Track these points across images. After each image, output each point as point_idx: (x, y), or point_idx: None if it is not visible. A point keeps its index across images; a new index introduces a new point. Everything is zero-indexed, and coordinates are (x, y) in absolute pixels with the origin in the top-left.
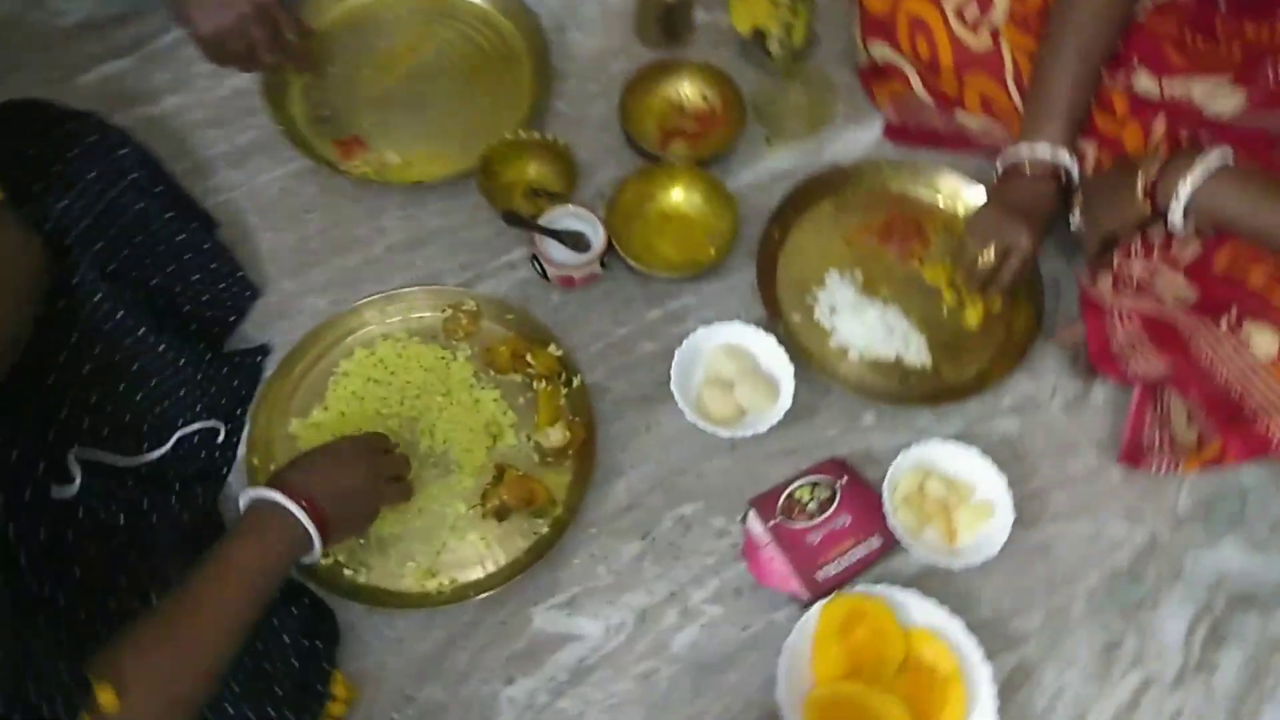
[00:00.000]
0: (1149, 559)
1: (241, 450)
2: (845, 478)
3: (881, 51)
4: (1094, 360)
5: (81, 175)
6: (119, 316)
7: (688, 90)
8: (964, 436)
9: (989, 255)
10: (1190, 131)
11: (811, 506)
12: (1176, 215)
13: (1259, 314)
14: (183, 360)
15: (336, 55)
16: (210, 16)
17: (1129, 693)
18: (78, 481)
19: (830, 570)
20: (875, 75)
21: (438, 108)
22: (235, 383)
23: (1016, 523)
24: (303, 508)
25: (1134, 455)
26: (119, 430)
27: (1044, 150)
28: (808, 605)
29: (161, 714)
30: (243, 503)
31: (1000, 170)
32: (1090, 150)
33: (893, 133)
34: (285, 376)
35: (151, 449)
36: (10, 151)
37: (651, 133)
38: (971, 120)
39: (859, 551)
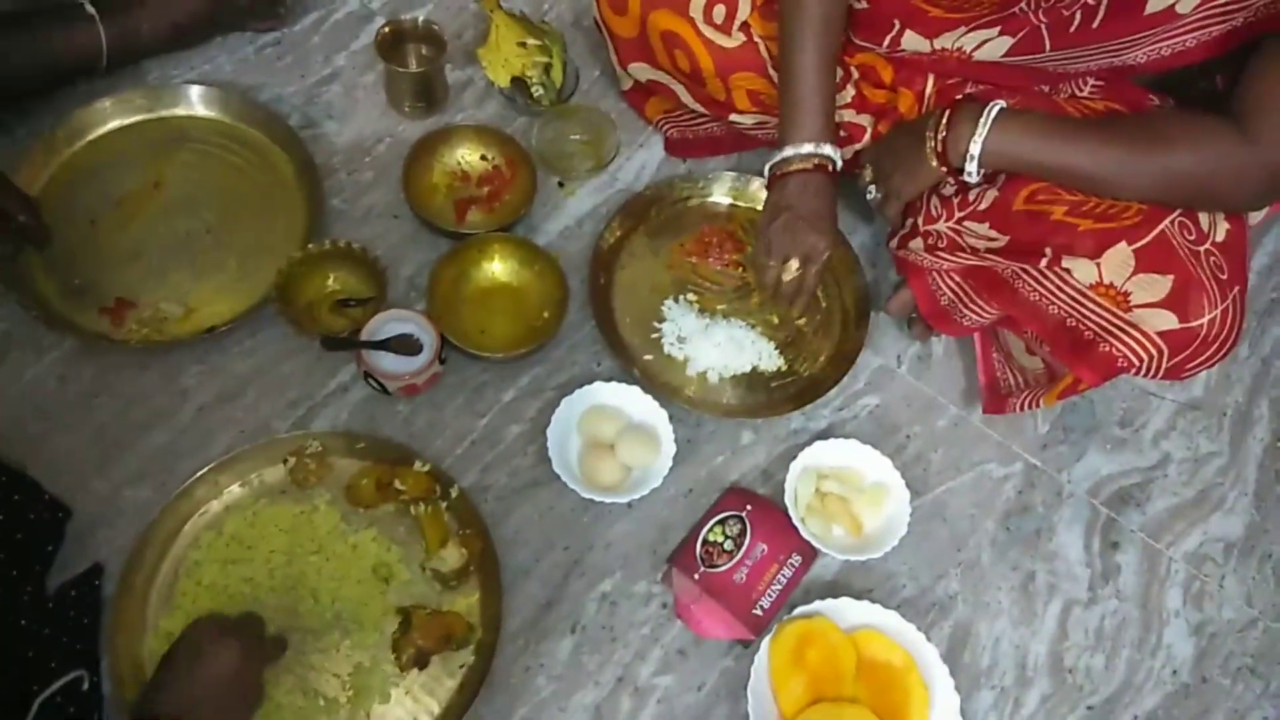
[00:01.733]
0: (1031, 490)
1: (107, 687)
2: (749, 505)
3: (642, 71)
4: (930, 320)
5: None
6: None
7: (467, 155)
8: (835, 425)
9: (792, 268)
10: (958, 82)
11: (728, 545)
12: (972, 168)
13: (1070, 246)
14: (19, 620)
15: (67, 213)
16: None
17: (1054, 621)
18: None
19: (764, 603)
20: (643, 95)
21: (204, 241)
22: (81, 619)
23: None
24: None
25: (996, 403)
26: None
27: (808, 149)
28: (752, 645)
29: None
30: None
31: (769, 177)
32: (867, 123)
33: (675, 147)
34: (129, 592)
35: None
36: None
37: (444, 209)
38: (746, 119)
39: (785, 573)
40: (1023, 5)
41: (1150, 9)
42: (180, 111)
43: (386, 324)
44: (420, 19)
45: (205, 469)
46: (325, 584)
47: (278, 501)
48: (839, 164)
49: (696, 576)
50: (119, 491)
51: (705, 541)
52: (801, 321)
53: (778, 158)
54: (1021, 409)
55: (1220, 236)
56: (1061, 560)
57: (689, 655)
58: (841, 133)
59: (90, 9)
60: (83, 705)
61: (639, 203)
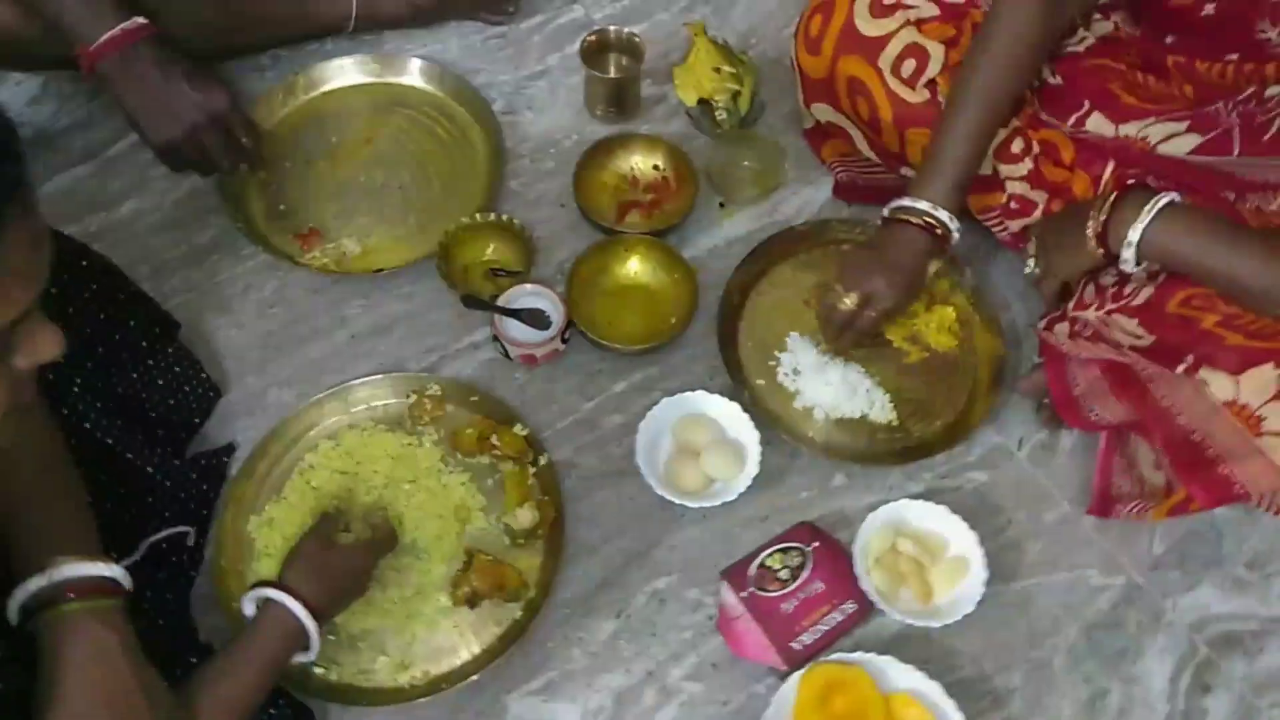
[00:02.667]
0: (1128, 607)
1: (209, 551)
2: (816, 543)
3: (824, 113)
4: (1058, 408)
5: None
6: (85, 429)
7: (640, 163)
8: (934, 492)
9: (848, 301)
10: (1139, 173)
11: (783, 574)
12: (1129, 256)
13: (1213, 358)
14: (150, 468)
15: (292, 151)
16: (163, 127)
17: None
18: None
19: (806, 639)
20: (821, 136)
21: (394, 195)
22: (203, 486)
23: (993, 577)
24: (309, 610)
25: (1103, 506)
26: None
27: (924, 205)
28: (786, 675)
29: None
30: (248, 608)
31: (882, 218)
32: (1040, 200)
33: (842, 191)
34: (250, 475)
35: (121, 558)
36: None
37: (607, 207)
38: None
39: (835, 617)
40: (1220, 105)
41: None
42: (403, 80)
43: (523, 296)
44: (626, 31)
45: (342, 385)
46: (411, 512)
47: (392, 430)
48: (954, 233)
49: (744, 594)
50: (267, 389)
51: (762, 565)
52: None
53: (896, 203)
54: (1129, 517)
55: None
56: (1141, 687)
57: (722, 669)
58: (1013, 205)
59: None
60: (184, 558)
61: (792, 236)
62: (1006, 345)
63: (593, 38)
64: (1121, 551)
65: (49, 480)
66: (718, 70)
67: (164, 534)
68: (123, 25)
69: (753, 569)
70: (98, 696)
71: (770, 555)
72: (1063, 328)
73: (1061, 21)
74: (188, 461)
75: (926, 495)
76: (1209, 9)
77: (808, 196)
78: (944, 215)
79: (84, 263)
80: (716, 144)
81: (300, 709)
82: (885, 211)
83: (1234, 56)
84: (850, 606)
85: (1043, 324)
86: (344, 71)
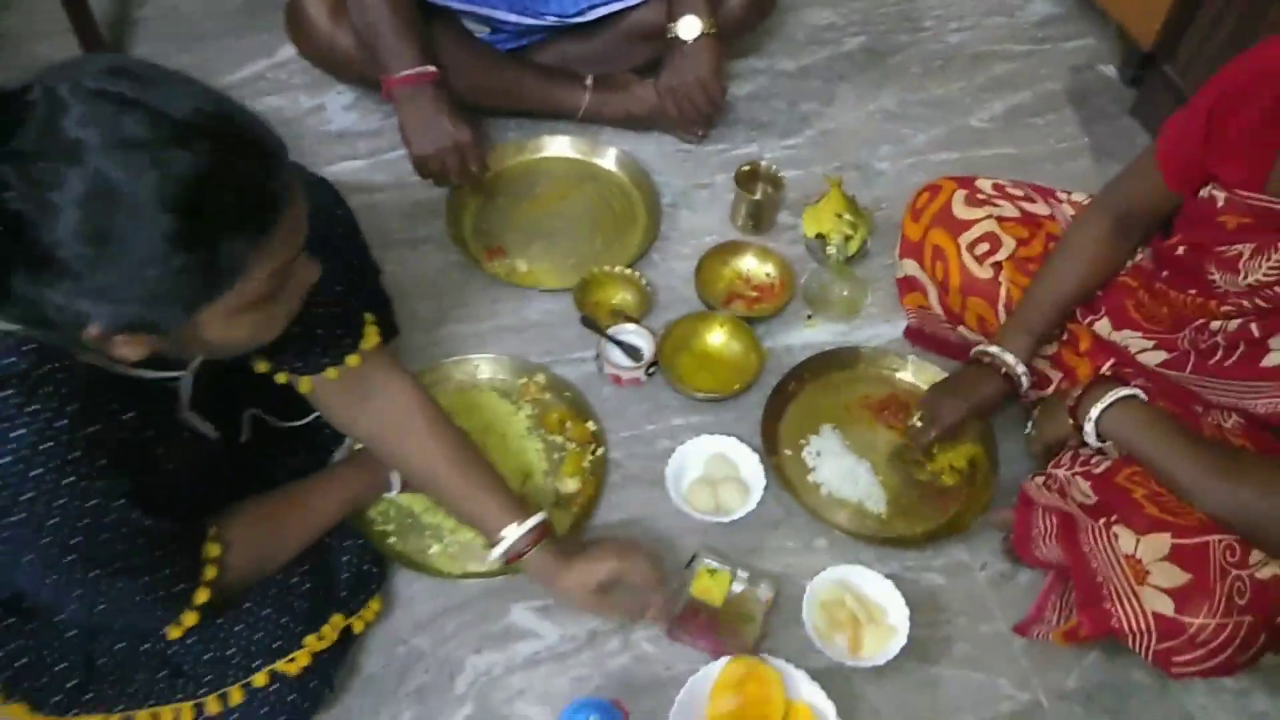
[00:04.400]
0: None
1: None
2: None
3: (912, 268)
4: (1016, 543)
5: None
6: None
7: (755, 266)
8: (894, 576)
9: (917, 419)
10: (1129, 373)
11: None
12: (1089, 430)
13: (1129, 519)
14: None
15: (505, 188)
16: (423, 143)
17: None
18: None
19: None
20: (906, 286)
21: (565, 239)
22: None
23: (918, 656)
24: None
25: (1024, 626)
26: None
27: (1007, 357)
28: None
29: (247, 568)
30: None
31: (969, 358)
32: (1056, 377)
33: (912, 335)
34: None
35: (301, 418)
36: None
37: (718, 290)
38: (971, 335)
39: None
40: (1185, 331)
41: (1266, 362)
42: (601, 162)
43: (628, 332)
44: (774, 167)
45: (476, 356)
46: (491, 454)
47: (501, 397)
48: (1023, 384)
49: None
50: (428, 347)
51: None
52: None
53: (982, 348)
54: (1036, 637)
55: (1264, 574)
56: None
57: (676, 645)
58: (1034, 376)
59: (588, 83)
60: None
61: (855, 355)
62: (995, 485)
63: (747, 166)
64: (1038, 675)
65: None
66: (840, 215)
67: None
68: (417, 69)
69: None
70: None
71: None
72: (1039, 479)
73: (1130, 245)
74: None
75: (887, 576)
76: (1180, 250)
77: (881, 330)
78: (1019, 366)
79: (339, 211)
80: (821, 271)
81: (374, 554)
82: (971, 353)
83: (1193, 291)
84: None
85: (1030, 476)
86: (562, 145)
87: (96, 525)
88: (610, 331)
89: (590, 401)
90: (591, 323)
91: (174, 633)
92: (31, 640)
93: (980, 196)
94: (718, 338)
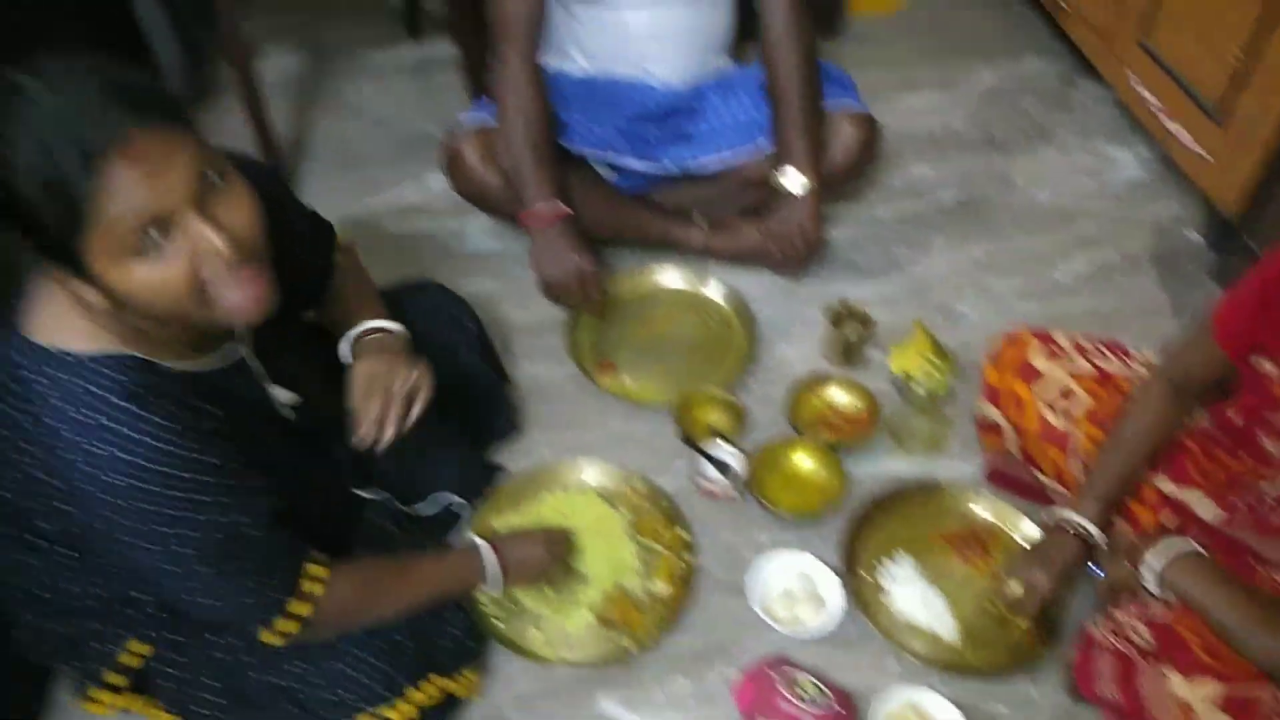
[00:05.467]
0: None
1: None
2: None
3: (991, 411)
4: (1076, 675)
5: (432, 318)
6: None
7: (844, 398)
8: (961, 703)
9: (1014, 589)
10: (1189, 526)
11: (805, 691)
12: (1151, 580)
13: (1183, 664)
14: (462, 450)
15: (620, 311)
16: (551, 271)
17: None
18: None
19: None
20: (985, 428)
21: (671, 360)
22: (481, 482)
23: None
24: (498, 561)
25: None
26: (405, 485)
27: (1082, 521)
28: None
29: (335, 618)
30: (465, 539)
31: (1046, 525)
32: (1125, 528)
33: (992, 476)
34: (505, 488)
35: (420, 504)
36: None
37: (807, 418)
38: (1048, 481)
39: None
40: (1248, 495)
41: None
42: (707, 293)
43: (722, 451)
44: (864, 307)
45: (583, 459)
46: (592, 553)
47: (603, 500)
48: (1100, 544)
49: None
50: (539, 447)
51: (795, 681)
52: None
53: (1060, 515)
54: None
55: None
56: None
57: None
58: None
59: (701, 223)
60: (455, 514)
61: (936, 488)
62: (1068, 628)
63: (839, 305)
64: None
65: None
66: (925, 356)
67: (455, 499)
68: (551, 205)
69: (789, 673)
70: None
71: (805, 677)
72: (1101, 620)
73: (1188, 409)
74: (480, 458)
75: (953, 700)
76: (1238, 420)
77: (960, 467)
78: (1094, 532)
79: (470, 324)
80: (905, 407)
81: (476, 629)
82: (1050, 521)
83: (1248, 457)
84: None
85: (1093, 617)
86: (672, 276)
87: (212, 523)
88: (705, 448)
89: (684, 511)
90: (690, 440)
91: (270, 638)
92: (189, 666)
93: (1057, 350)
94: (805, 461)
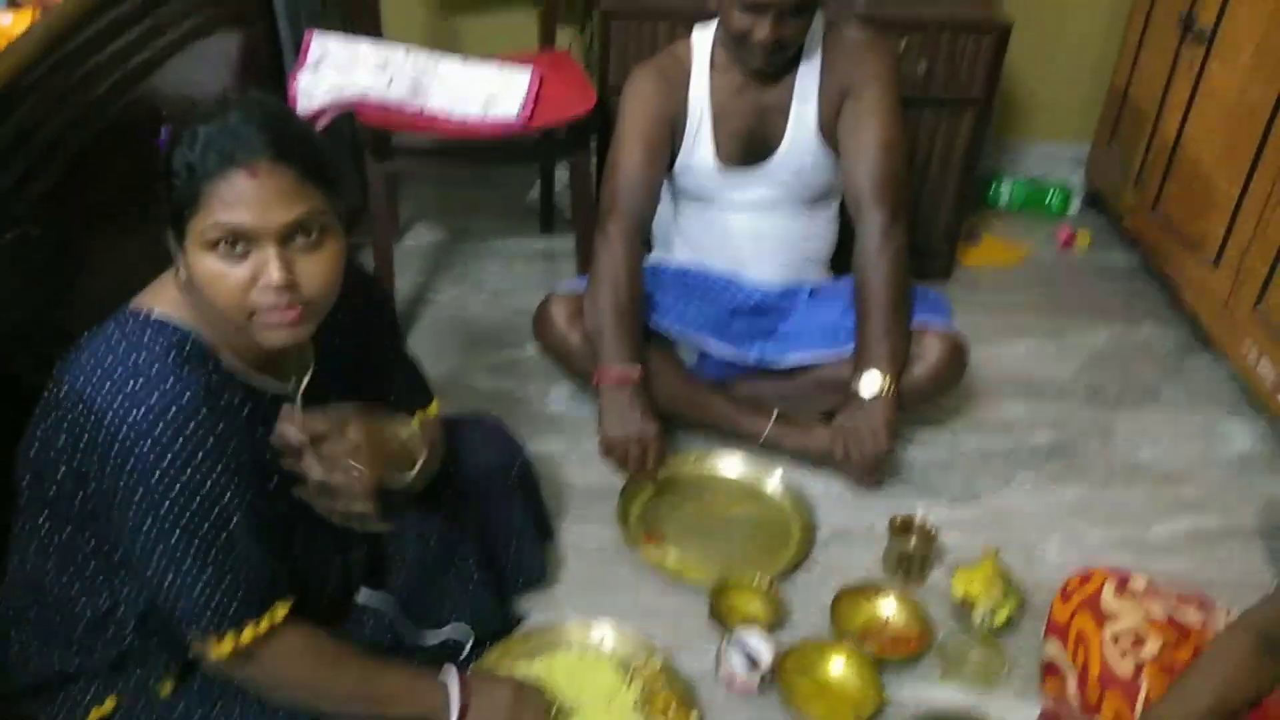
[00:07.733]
0: None
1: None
2: None
3: (1054, 648)
4: None
5: (480, 451)
6: (460, 548)
7: (895, 612)
8: None
9: None
10: None
11: None
12: None
13: None
14: (481, 596)
15: (676, 488)
16: (614, 428)
17: None
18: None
19: None
20: (1046, 671)
21: (719, 543)
22: (495, 626)
23: None
24: (461, 700)
25: None
26: (414, 605)
27: None
28: None
29: (272, 671)
30: (443, 675)
31: None
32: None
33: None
34: (519, 638)
35: (428, 632)
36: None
37: (853, 624)
38: None
39: None
40: None
41: None
42: (764, 485)
43: (751, 638)
44: (930, 524)
45: (605, 621)
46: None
47: (615, 669)
48: None
49: None
50: (568, 590)
51: None
52: None
53: None
54: None
55: None
56: None
57: None
58: None
59: (773, 415)
60: (458, 645)
61: None
62: None
63: (899, 519)
64: None
65: None
66: (993, 585)
67: (464, 630)
68: (625, 367)
69: None
70: None
71: None
72: None
73: (1276, 673)
74: (501, 601)
75: None
76: None
77: (1013, 706)
78: None
79: (526, 467)
80: (961, 633)
81: None
82: None
83: None
84: None
85: None
86: (738, 463)
87: (209, 499)
88: (736, 632)
89: (700, 696)
90: (719, 621)
91: (207, 649)
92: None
93: (1132, 590)
94: (839, 667)
